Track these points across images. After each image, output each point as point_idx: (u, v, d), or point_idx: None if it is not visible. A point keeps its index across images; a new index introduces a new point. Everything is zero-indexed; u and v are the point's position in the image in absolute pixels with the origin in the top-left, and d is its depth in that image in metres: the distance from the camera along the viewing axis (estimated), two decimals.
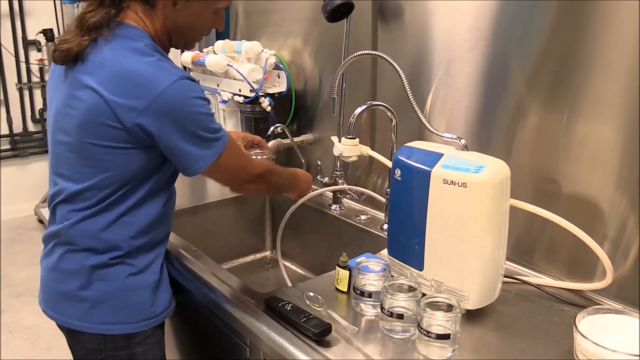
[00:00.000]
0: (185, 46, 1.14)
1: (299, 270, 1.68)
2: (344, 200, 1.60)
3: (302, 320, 0.98)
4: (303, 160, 1.70)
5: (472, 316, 1.04)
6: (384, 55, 1.22)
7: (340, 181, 1.54)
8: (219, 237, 1.68)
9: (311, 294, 1.09)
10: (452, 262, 1.01)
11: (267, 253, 1.80)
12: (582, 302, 1.10)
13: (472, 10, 1.24)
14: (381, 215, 1.52)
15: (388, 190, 1.41)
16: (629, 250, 1.07)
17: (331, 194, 1.59)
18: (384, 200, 1.44)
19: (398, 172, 1.06)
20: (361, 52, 1.25)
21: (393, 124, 1.35)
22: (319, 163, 1.62)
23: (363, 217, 1.52)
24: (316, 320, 0.98)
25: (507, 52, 1.20)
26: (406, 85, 1.17)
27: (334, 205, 1.58)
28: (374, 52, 1.25)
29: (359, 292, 1.05)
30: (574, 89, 1.11)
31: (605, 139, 1.08)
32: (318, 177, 1.62)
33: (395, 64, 1.19)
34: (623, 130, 1.05)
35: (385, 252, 1.31)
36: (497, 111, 1.24)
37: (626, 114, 1.04)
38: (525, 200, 1.10)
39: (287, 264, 1.68)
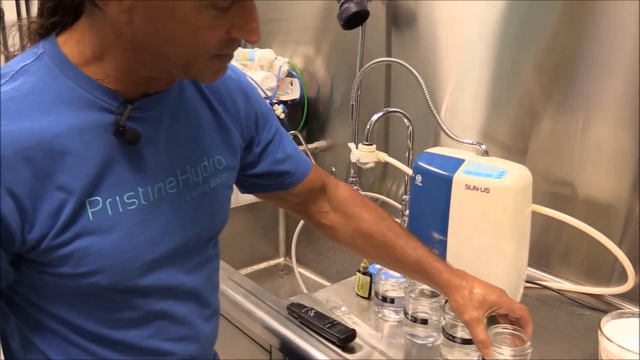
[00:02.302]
0: (189, 74, 0.68)
1: (313, 276, 1.68)
2: None
3: (327, 326, 0.98)
4: None
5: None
6: (404, 63, 1.23)
7: (355, 187, 1.54)
8: (232, 244, 1.68)
9: (333, 300, 1.10)
10: (475, 267, 1.01)
11: (281, 260, 1.80)
12: (603, 306, 1.10)
13: (486, 16, 1.25)
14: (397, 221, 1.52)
15: (404, 196, 1.41)
16: None
17: None
18: (399, 206, 1.45)
19: (419, 178, 1.07)
20: (380, 60, 1.26)
21: (409, 131, 1.35)
22: (334, 169, 1.62)
23: None
24: (340, 326, 0.98)
25: (521, 57, 1.21)
26: (426, 92, 1.18)
27: None
28: (394, 60, 1.25)
29: (381, 297, 1.06)
30: (588, 94, 1.11)
31: (620, 143, 1.09)
32: None
33: (415, 72, 1.20)
34: (638, 133, 1.06)
35: None
36: (511, 116, 1.25)
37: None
38: (541, 205, 1.10)
39: (302, 270, 1.68)
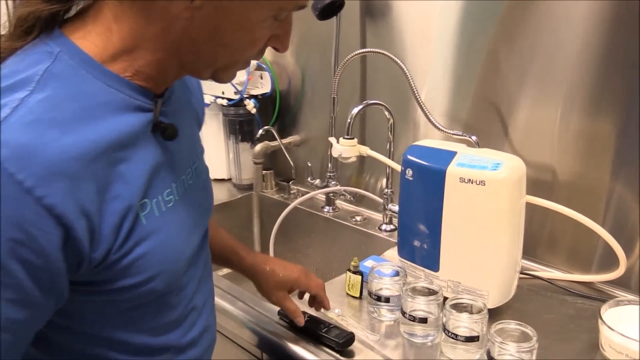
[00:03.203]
0: (215, 75, 0.66)
1: None
2: (337, 201, 1.57)
3: (323, 330, 0.94)
4: (292, 163, 1.66)
5: (489, 315, 1.02)
6: (390, 55, 1.19)
7: (333, 182, 1.51)
8: None
9: None
10: (470, 261, 1.00)
11: None
12: (594, 294, 1.10)
13: (459, 7, 1.22)
14: (376, 215, 1.49)
15: (386, 190, 1.38)
16: (634, 240, 1.08)
17: (323, 195, 1.55)
18: (380, 200, 1.42)
19: (409, 171, 1.04)
20: (364, 50, 1.22)
21: (390, 123, 1.32)
22: (309, 165, 1.58)
23: (358, 218, 1.49)
24: (338, 330, 0.94)
25: (497, 48, 1.19)
26: (412, 83, 1.15)
27: (327, 207, 1.55)
28: (379, 51, 1.21)
29: (375, 297, 1.02)
30: (565, 83, 1.11)
31: (599, 130, 1.08)
32: (309, 179, 1.58)
33: (401, 63, 1.16)
34: (616, 120, 1.06)
35: (389, 253, 1.29)
36: (488, 106, 1.23)
37: (619, 106, 1.05)
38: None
39: None
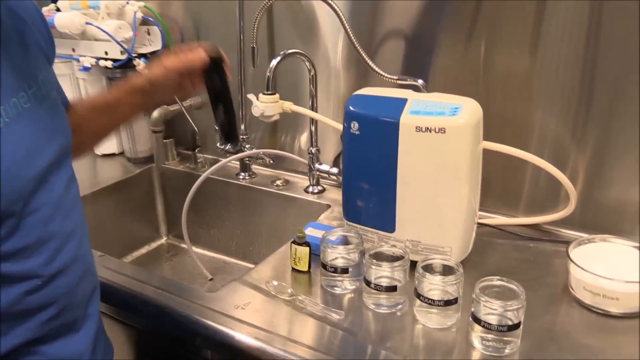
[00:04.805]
0: None
1: (209, 253, 1.47)
2: (252, 166, 1.42)
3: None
4: (196, 128, 1.47)
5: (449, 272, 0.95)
6: None
7: (248, 146, 1.36)
8: (102, 234, 1.40)
9: (275, 282, 0.93)
10: (429, 217, 0.91)
11: (163, 240, 1.56)
12: (544, 236, 1.07)
13: None
14: (298, 177, 1.37)
15: (311, 148, 1.26)
16: (576, 179, 1.06)
17: (237, 162, 1.39)
18: (304, 160, 1.29)
19: (355, 125, 0.92)
20: None
21: (312, 74, 1.19)
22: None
23: (279, 182, 1.35)
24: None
25: None
26: (348, 28, 1.02)
27: (243, 174, 1.40)
28: None
29: (332, 269, 0.91)
30: (487, 20, 1.05)
31: (525, 66, 1.04)
32: (218, 144, 1.41)
33: (335, 6, 1.03)
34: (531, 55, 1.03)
35: (325, 218, 1.18)
36: (406, 49, 1.14)
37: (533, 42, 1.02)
38: None
39: (194, 249, 1.46)
